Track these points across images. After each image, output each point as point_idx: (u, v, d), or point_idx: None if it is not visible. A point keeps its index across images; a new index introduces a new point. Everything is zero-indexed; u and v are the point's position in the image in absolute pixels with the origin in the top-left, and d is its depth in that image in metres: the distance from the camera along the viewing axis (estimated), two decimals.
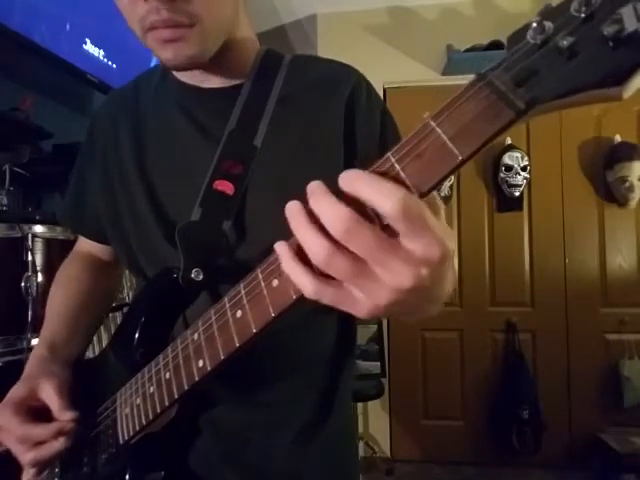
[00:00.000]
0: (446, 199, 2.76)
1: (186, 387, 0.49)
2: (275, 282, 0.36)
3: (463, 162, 0.28)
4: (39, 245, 1.34)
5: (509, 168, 2.69)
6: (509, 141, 2.74)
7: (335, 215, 0.29)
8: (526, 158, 2.70)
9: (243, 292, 0.40)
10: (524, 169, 2.69)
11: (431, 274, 0.30)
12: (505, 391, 2.67)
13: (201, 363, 0.46)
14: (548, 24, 0.25)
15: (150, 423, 0.54)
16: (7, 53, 1.71)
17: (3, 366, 1.23)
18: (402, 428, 2.86)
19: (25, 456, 0.59)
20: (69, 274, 0.78)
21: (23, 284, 1.29)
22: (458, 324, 2.83)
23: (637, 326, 2.63)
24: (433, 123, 0.29)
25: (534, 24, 0.25)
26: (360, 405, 2.78)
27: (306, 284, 0.32)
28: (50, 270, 1.32)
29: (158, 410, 0.52)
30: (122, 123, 0.69)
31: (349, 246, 0.30)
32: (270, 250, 0.36)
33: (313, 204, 0.31)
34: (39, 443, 0.59)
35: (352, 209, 0.29)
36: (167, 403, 0.51)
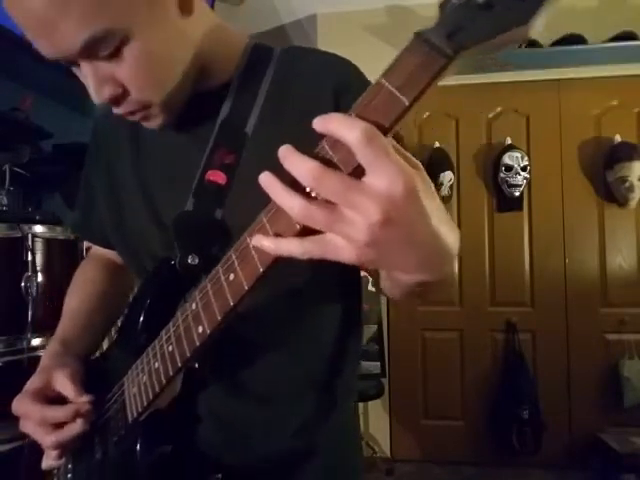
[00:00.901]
0: (446, 199, 2.76)
1: (188, 354, 0.51)
2: None
3: (409, 106, 0.33)
4: (39, 245, 1.34)
5: (509, 168, 2.69)
6: (509, 141, 2.74)
7: (303, 167, 0.34)
8: (526, 158, 2.70)
9: (234, 257, 0.44)
10: (524, 169, 2.69)
11: (400, 208, 0.33)
12: (505, 391, 2.67)
13: (200, 329, 0.49)
14: None
15: (157, 397, 0.57)
16: (7, 53, 1.71)
17: (3, 366, 1.23)
18: (402, 428, 2.86)
19: (46, 439, 0.62)
20: (84, 276, 0.82)
21: (23, 284, 1.29)
22: (458, 324, 2.83)
23: (637, 326, 2.63)
24: (383, 80, 0.34)
25: None
26: (360, 405, 2.78)
27: (294, 245, 0.36)
28: (50, 270, 1.32)
29: (164, 381, 0.55)
30: (123, 126, 0.70)
31: (320, 192, 0.34)
32: None
33: (285, 163, 0.35)
34: (58, 426, 0.62)
35: (320, 162, 0.34)
36: (171, 372, 0.54)
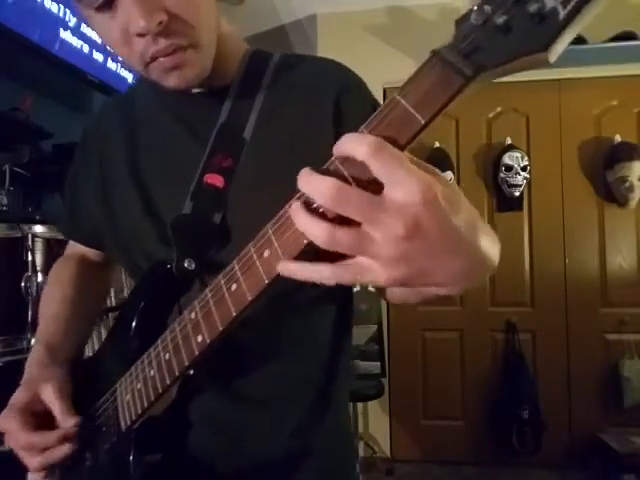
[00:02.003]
0: None
1: (187, 363, 0.50)
2: (267, 253, 0.40)
3: (425, 125, 0.33)
4: (39, 245, 1.34)
5: (509, 168, 2.69)
6: (509, 141, 2.74)
7: (320, 187, 0.33)
8: (526, 158, 2.70)
9: (237, 267, 0.43)
10: (524, 169, 2.69)
11: (422, 218, 0.32)
12: (505, 391, 2.67)
13: (200, 338, 0.49)
14: (487, 7, 0.30)
15: (152, 405, 0.56)
16: (7, 53, 1.71)
17: (3, 366, 1.23)
18: (402, 428, 2.86)
19: (32, 461, 0.61)
20: (61, 276, 0.79)
21: (23, 284, 1.29)
22: (458, 324, 2.83)
23: (637, 326, 2.63)
24: (398, 97, 0.34)
25: (476, 7, 0.31)
26: (360, 405, 2.78)
27: (326, 272, 0.35)
28: (50, 270, 1.33)
29: (160, 390, 0.54)
30: (118, 127, 0.70)
31: (340, 211, 0.33)
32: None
33: (302, 186, 0.34)
34: (45, 448, 0.60)
35: (336, 179, 0.33)
36: (168, 381, 0.53)
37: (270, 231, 0.39)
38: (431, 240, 0.33)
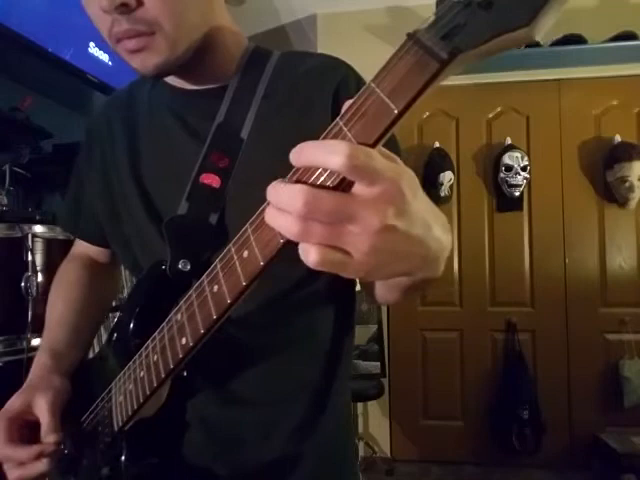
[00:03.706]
0: (446, 199, 2.76)
1: (172, 365, 0.50)
2: (245, 253, 0.39)
3: (400, 114, 0.30)
4: (39, 245, 1.34)
5: (509, 168, 2.69)
6: (509, 141, 2.74)
7: (289, 194, 0.31)
8: (526, 158, 2.70)
9: (219, 267, 0.42)
10: (524, 169, 2.69)
11: (394, 210, 0.32)
12: (505, 391, 2.67)
13: (184, 340, 0.48)
14: None
15: (141, 407, 0.55)
16: (7, 53, 1.71)
17: (3, 366, 1.23)
18: (402, 428, 2.86)
19: (10, 473, 0.62)
20: (67, 278, 0.79)
21: (23, 284, 1.29)
22: (458, 324, 2.83)
23: (637, 326, 2.63)
24: (373, 84, 0.31)
25: None
26: (360, 405, 2.78)
27: (309, 252, 0.34)
28: (50, 270, 1.32)
29: (148, 392, 0.53)
30: (118, 126, 0.70)
31: (314, 216, 0.31)
32: None
33: (270, 198, 0.33)
34: (23, 463, 0.62)
35: (305, 184, 0.32)
36: (155, 384, 0.52)
37: (249, 230, 0.38)
38: (403, 232, 0.33)
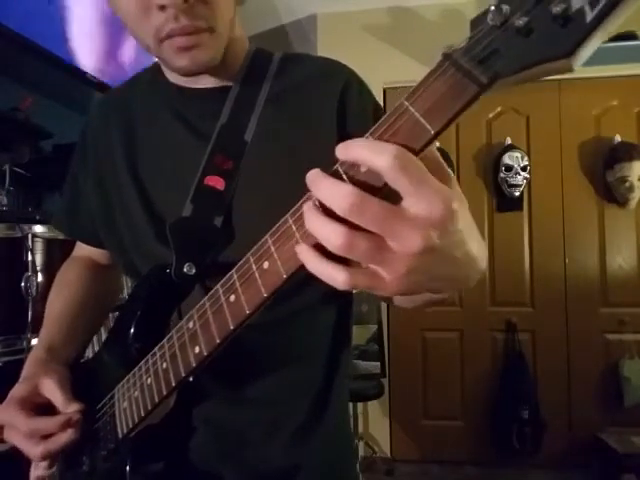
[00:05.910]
0: None
1: (183, 374, 0.49)
2: (266, 264, 0.38)
3: (436, 135, 0.30)
4: (39, 245, 1.34)
5: (509, 168, 2.69)
6: (509, 141, 2.74)
7: (337, 194, 0.30)
8: (526, 158, 2.70)
9: (235, 277, 0.42)
10: (524, 169, 2.69)
11: (439, 233, 0.31)
12: (505, 391, 2.67)
13: (197, 349, 0.47)
14: (505, 7, 0.27)
15: (148, 414, 0.55)
16: (7, 53, 1.71)
17: (3, 366, 1.23)
18: (402, 428, 2.86)
19: (34, 450, 0.58)
20: (67, 279, 0.79)
21: (23, 284, 1.29)
22: (458, 324, 2.83)
23: (637, 326, 2.63)
24: (406, 103, 0.31)
25: (493, 7, 0.28)
26: (360, 405, 2.78)
27: (337, 277, 0.33)
28: (50, 270, 1.32)
29: (156, 400, 0.53)
30: (114, 125, 0.70)
31: (357, 221, 0.30)
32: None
33: (315, 191, 0.32)
34: (47, 436, 0.59)
35: (352, 185, 0.31)
36: (165, 392, 0.52)
37: (270, 241, 0.38)
38: (443, 254, 0.32)
